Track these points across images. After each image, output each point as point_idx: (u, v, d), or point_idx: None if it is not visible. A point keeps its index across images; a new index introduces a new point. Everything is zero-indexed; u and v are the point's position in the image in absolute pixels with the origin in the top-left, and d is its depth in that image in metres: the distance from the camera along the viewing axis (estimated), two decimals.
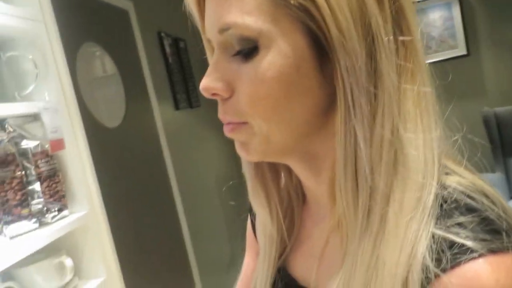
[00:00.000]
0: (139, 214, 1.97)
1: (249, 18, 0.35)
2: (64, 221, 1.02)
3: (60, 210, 1.04)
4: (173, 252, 2.31)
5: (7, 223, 0.92)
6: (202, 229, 2.66)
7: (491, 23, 3.19)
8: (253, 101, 0.36)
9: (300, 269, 0.46)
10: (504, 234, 0.31)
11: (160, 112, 2.40)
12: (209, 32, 0.39)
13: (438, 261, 0.31)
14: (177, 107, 2.64)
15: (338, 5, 0.33)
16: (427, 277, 0.31)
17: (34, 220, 0.97)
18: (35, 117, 1.05)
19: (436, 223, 0.32)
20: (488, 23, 3.19)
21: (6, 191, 0.94)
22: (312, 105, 0.37)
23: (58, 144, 1.02)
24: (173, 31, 2.79)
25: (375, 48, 0.34)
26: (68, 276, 1.00)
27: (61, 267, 1.00)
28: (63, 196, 1.05)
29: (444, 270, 0.30)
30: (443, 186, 0.34)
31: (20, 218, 0.95)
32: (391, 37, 0.34)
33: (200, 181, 2.84)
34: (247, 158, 0.40)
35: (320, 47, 0.35)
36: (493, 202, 0.33)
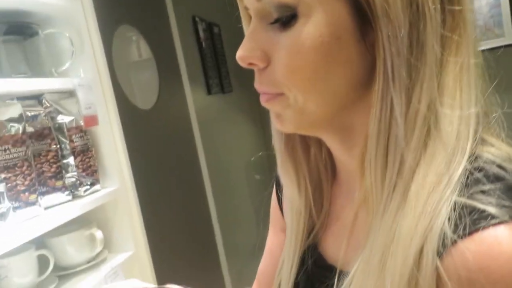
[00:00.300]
0: (168, 193, 2.02)
1: None
2: (95, 195, 1.05)
3: (92, 184, 1.07)
4: (200, 233, 2.35)
5: (42, 193, 0.96)
6: (229, 212, 2.69)
7: None
8: (290, 71, 0.35)
9: (330, 247, 0.45)
10: None
11: (193, 97, 2.42)
12: (248, 2, 0.38)
13: (456, 227, 0.29)
14: (209, 92, 2.65)
15: None
16: (444, 244, 0.29)
17: (67, 192, 1.01)
18: (70, 94, 1.08)
19: (459, 193, 0.31)
20: None
21: (42, 163, 0.98)
22: (350, 76, 0.35)
23: (92, 120, 1.05)
24: (207, 16, 2.80)
25: (419, 17, 0.32)
26: (98, 248, 1.03)
27: (92, 239, 1.03)
28: (96, 171, 1.09)
29: (461, 236, 0.29)
30: (475, 158, 0.32)
31: (54, 189, 0.99)
32: (438, 6, 0.32)
33: (229, 165, 2.86)
34: (281, 129, 0.40)
35: (362, 15, 0.34)
36: None
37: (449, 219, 0.30)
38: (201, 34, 2.66)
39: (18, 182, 0.87)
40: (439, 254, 0.29)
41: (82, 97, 1.03)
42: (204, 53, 2.66)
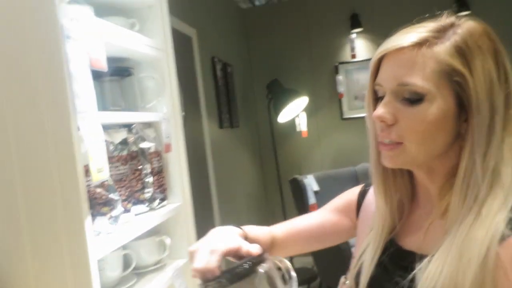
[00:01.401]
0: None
1: (424, 82, 0.58)
2: (165, 209, 1.28)
3: (162, 200, 1.30)
4: None
5: (134, 203, 1.18)
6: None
7: None
8: (414, 131, 0.60)
9: (407, 241, 0.68)
10: None
11: (209, 129, 2.68)
12: (386, 82, 0.61)
13: (511, 229, 0.55)
14: (221, 125, 2.92)
15: (480, 86, 0.57)
16: (502, 239, 0.54)
17: (147, 204, 1.24)
18: (149, 124, 1.33)
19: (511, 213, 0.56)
20: None
21: (131, 179, 1.21)
22: (446, 140, 0.61)
23: (169, 147, 1.30)
24: (223, 56, 3.11)
25: (495, 114, 0.58)
26: (166, 252, 1.25)
27: (161, 244, 1.25)
28: (166, 189, 1.32)
29: None
30: None
31: (138, 201, 1.22)
32: (502, 99, 0.58)
33: (234, 188, 3.09)
34: (391, 166, 0.64)
35: (461, 106, 0.59)
36: None
37: (506, 225, 0.55)
38: (218, 73, 2.96)
39: (122, 193, 1.10)
40: (500, 244, 0.54)
41: (164, 128, 1.27)
42: (219, 90, 2.95)
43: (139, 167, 1.23)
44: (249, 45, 3.92)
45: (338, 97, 3.72)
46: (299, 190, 3.16)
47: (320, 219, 0.86)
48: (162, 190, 1.30)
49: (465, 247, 0.56)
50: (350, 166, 3.34)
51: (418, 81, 0.58)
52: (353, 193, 0.85)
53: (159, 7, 1.35)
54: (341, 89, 3.67)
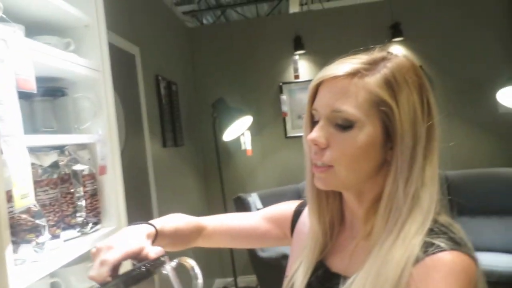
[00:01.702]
0: None
1: (355, 110, 0.62)
2: (99, 233, 1.24)
3: (95, 224, 1.26)
4: None
5: (63, 229, 1.14)
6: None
7: (446, 95, 3.73)
8: (343, 156, 0.63)
9: (334, 263, 0.72)
10: (461, 245, 0.59)
11: (151, 148, 2.64)
12: (321, 108, 0.65)
13: (424, 252, 0.59)
14: (164, 144, 2.88)
15: (404, 117, 0.62)
16: (417, 260, 0.58)
17: (78, 229, 1.19)
18: (83, 146, 1.29)
19: (427, 236, 0.60)
20: (443, 95, 3.73)
21: (61, 203, 1.16)
22: (373, 165, 0.65)
23: (103, 169, 1.27)
24: (168, 74, 3.09)
25: (417, 143, 0.63)
26: None
27: None
28: (100, 213, 1.28)
29: (426, 256, 0.58)
30: (435, 220, 0.63)
31: (69, 226, 1.17)
32: (424, 131, 0.63)
33: (177, 208, 3.04)
34: (321, 188, 0.67)
35: (388, 134, 0.63)
36: (458, 230, 0.63)
37: (421, 248, 0.58)
38: (162, 91, 2.93)
39: (50, 218, 1.06)
40: (414, 265, 0.57)
41: (99, 150, 1.25)
42: (163, 108, 2.92)
43: (71, 190, 1.19)
44: (195, 64, 3.93)
45: (282, 116, 3.82)
46: (243, 208, 3.17)
47: (253, 223, 0.89)
48: (95, 213, 1.26)
49: (383, 268, 0.60)
50: (294, 183, 3.42)
51: (350, 108, 0.62)
52: (289, 208, 0.88)
53: (96, 27, 1.34)
54: (285, 108, 3.77)
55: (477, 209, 3.19)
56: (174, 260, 0.62)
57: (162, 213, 2.67)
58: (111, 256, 0.60)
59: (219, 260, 3.85)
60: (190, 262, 0.62)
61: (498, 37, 3.68)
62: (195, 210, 3.53)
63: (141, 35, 2.68)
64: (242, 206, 3.21)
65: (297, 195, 3.37)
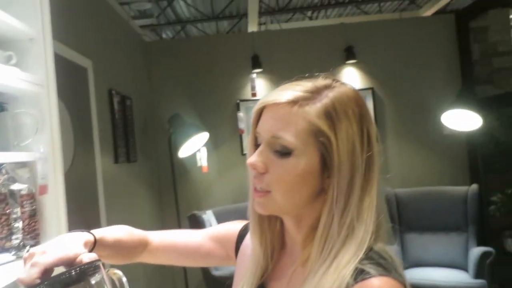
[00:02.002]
0: None
1: (294, 138, 0.62)
2: None
3: (33, 246, 1.19)
4: None
5: None
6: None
7: (396, 117, 3.89)
8: (280, 182, 0.63)
9: (273, 287, 0.72)
10: (390, 271, 0.60)
11: (102, 164, 2.55)
12: (263, 132, 0.65)
13: (354, 279, 0.59)
14: (116, 160, 2.80)
15: (342, 149, 0.62)
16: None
17: (13, 252, 1.13)
18: (23, 164, 1.23)
19: (359, 263, 0.61)
20: (394, 117, 3.90)
21: None
22: (311, 192, 0.65)
23: (44, 189, 1.21)
24: (122, 89, 3.03)
25: (354, 175, 0.64)
26: None
27: None
28: (38, 234, 1.22)
29: (357, 282, 0.59)
30: (370, 249, 0.63)
31: (3, 250, 1.10)
32: (363, 165, 0.64)
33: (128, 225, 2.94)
34: (261, 212, 0.67)
35: (325, 164, 0.64)
36: (391, 258, 0.64)
37: (352, 275, 0.59)
38: (116, 105, 2.86)
39: None
40: None
41: (40, 169, 1.19)
42: (116, 123, 2.85)
43: (7, 211, 1.13)
44: (151, 78, 3.88)
45: (238, 133, 3.82)
46: (197, 225, 3.13)
47: (198, 241, 0.88)
48: (34, 235, 1.20)
49: None
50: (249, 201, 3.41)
51: (289, 136, 0.63)
52: (234, 228, 0.88)
53: (41, 40, 1.29)
54: (242, 125, 3.78)
55: (425, 225, 3.33)
56: (106, 269, 0.60)
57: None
58: (43, 259, 0.58)
59: (172, 278, 3.75)
60: (118, 273, 0.60)
61: (444, 63, 3.91)
62: (148, 228, 3.43)
63: (94, 48, 2.62)
64: (197, 223, 3.16)
65: None
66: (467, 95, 3.37)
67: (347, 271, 0.60)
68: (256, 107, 0.69)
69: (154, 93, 3.86)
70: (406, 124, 3.88)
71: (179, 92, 3.85)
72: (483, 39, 3.92)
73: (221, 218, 3.25)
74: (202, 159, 3.48)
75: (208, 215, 3.26)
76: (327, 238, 0.63)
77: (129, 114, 3.12)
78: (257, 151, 0.66)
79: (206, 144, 3.46)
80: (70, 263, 0.60)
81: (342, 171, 0.63)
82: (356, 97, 0.66)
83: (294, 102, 0.64)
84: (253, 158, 0.65)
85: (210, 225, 3.16)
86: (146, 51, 3.87)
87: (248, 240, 0.83)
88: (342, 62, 3.83)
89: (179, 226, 3.39)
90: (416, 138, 3.87)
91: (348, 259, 0.61)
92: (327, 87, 0.66)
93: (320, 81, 0.67)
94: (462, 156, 3.88)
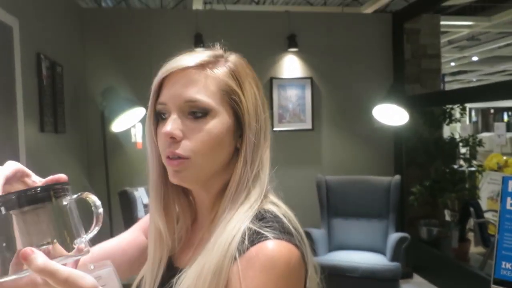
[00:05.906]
0: None
1: (209, 99, 0.64)
2: None
3: None
4: None
5: None
6: None
7: (332, 108, 4.04)
8: (200, 145, 0.63)
9: (180, 258, 0.72)
10: (285, 233, 0.62)
11: (26, 132, 2.39)
12: (171, 100, 0.64)
13: (250, 242, 0.60)
14: (42, 129, 2.63)
15: (250, 105, 0.67)
16: (241, 251, 0.59)
17: None
18: None
19: (253, 223, 0.62)
20: (330, 107, 4.04)
21: None
22: (227, 153, 0.67)
23: None
24: (52, 54, 2.84)
25: (260, 129, 0.68)
26: None
27: None
28: None
29: (251, 245, 0.59)
30: (263, 207, 0.66)
31: None
32: (264, 120, 0.69)
33: None
34: (177, 182, 0.66)
35: (238, 123, 0.66)
36: (288, 219, 0.66)
37: (246, 237, 0.60)
38: (44, 71, 2.68)
39: None
40: (239, 253, 0.59)
41: None
42: (44, 90, 2.67)
43: None
44: (85, 47, 3.67)
45: None
46: (128, 202, 3.05)
47: (132, 236, 0.83)
48: None
49: (208, 257, 0.61)
50: None
51: (203, 97, 0.64)
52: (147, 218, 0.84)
53: None
54: None
55: (350, 211, 3.51)
56: (78, 194, 0.54)
57: None
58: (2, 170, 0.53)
59: None
60: (94, 198, 0.53)
61: (379, 59, 4.11)
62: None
63: (22, 5, 2.42)
64: (128, 200, 3.08)
65: None
66: (397, 92, 3.58)
67: (242, 231, 0.61)
68: (159, 77, 0.68)
69: (88, 63, 3.66)
70: (340, 115, 4.04)
71: (115, 65, 3.68)
72: (415, 40, 4.17)
73: None
74: (137, 135, 3.38)
75: (140, 192, 3.18)
76: (237, 191, 0.66)
77: (59, 82, 2.94)
78: (169, 120, 0.65)
79: (142, 120, 3.35)
80: (26, 174, 0.57)
81: (251, 126, 0.67)
82: (247, 63, 0.72)
83: (203, 66, 0.66)
84: (168, 127, 0.64)
85: (142, 203, 3.10)
86: (81, 18, 3.65)
87: None
88: (284, 49, 3.88)
89: (109, 202, 3.28)
90: (348, 129, 4.05)
91: (250, 205, 0.65)
92: (224, 54, 0.70)
93: (217, 50, 0.71)
94: (389, 149, 4.13)
